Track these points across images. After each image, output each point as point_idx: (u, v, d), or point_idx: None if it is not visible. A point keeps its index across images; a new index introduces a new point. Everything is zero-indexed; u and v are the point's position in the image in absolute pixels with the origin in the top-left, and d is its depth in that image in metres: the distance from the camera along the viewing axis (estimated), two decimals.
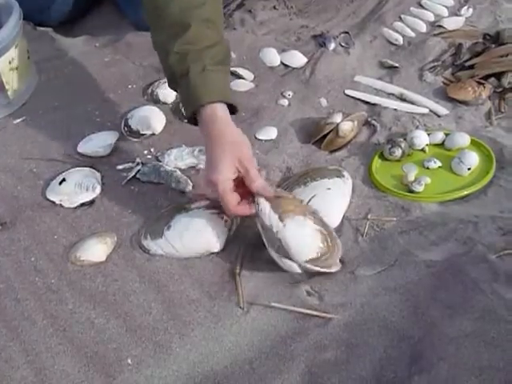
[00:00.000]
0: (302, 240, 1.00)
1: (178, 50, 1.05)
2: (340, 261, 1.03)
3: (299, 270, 1.01)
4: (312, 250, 1.00)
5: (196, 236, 1.10)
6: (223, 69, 1.07)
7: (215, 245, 1.11)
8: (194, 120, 1.07)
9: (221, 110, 1.04)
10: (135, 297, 1.04)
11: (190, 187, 1.23)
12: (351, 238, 1.12)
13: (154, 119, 1.39)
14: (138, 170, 1.26)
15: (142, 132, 1.37)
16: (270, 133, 1.37)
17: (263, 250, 1.04)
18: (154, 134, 1.38)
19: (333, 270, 1.01)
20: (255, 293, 1.03)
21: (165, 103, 1.46)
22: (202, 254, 1.11)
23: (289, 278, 1.04)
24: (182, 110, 1.24)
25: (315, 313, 0.98)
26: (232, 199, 1.02)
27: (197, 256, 1.10)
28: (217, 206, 1.09)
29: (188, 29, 1.05)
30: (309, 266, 0.99)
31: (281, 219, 1.00)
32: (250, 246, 1.10)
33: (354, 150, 1.34)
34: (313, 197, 1.14)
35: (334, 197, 1.16)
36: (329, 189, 1.17)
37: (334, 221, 1.13)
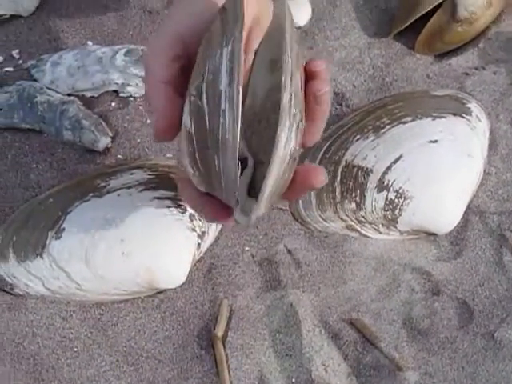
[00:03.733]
0: None
1: None
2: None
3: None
4: None
5: (126, 255, 0.69)
6: None
7: (172, 273, 0.71)
8: None
9: None
10: None
11: (107, 140, 0.80)
12: (487, 258, 0.77)
13: None
14: None
15: None
16: (296, 13, 0.91)
17: (274, 287, 0.73)
18: (20, 17, 0.91)
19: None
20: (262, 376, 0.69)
21: None
22: (140, 292, 0.71)
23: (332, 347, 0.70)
24: None
25: None
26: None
27: (127, 298, 0.71)
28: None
29: None
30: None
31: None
32: (242, 274, 0.76)
33: (493, 51, 0.92)
34: (395, 162, 0.76)
35: (447, 160, 0.78)
36: (434, 142, 0.77)
37: (445, 214, 0.76)
